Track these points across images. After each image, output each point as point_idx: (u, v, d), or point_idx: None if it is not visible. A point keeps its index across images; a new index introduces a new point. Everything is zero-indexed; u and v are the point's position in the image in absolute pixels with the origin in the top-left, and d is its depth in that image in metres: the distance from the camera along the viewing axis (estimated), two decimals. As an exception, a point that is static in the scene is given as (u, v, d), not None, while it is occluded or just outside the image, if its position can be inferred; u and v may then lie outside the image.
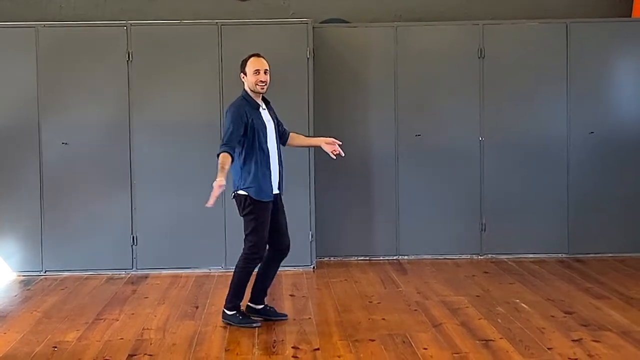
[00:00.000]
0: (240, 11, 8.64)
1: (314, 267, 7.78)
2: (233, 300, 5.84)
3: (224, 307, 5.89)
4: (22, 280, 7.50)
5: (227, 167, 5.55)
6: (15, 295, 6.94)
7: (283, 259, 5.97)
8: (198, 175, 7.23)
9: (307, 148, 7.58)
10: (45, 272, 7.69)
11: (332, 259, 8.17)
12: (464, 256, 8.19)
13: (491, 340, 5.32)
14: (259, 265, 5.92)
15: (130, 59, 7.65)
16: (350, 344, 5.28)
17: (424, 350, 5.12)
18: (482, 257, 8.19)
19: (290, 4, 8.78)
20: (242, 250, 5.79)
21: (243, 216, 5.79)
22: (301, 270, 7.71)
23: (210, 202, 5.41)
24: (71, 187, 7.68)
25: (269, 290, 6.07)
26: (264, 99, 5.90)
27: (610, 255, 8.15)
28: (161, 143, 7.66)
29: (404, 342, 5.31)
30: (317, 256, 7.89)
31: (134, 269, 7.74)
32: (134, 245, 7.74)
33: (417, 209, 8.17)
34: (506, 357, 4.97)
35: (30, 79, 7.63)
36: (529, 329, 5.55)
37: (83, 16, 8.57)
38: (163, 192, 7.67)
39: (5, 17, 8.31)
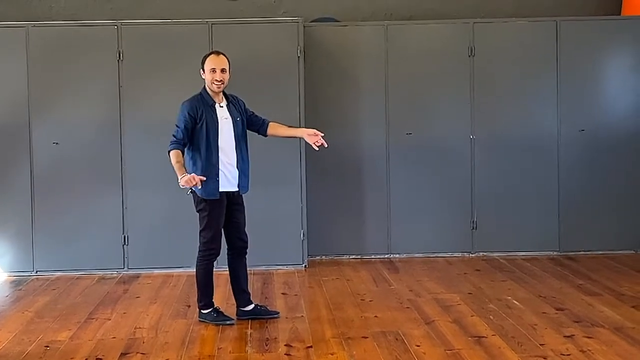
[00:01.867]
0: (231, 10, 8.64)
1: (305, 266, 7.77)
2: (203, 298, 5.88)
3: (198, 308, 5.92)
4: (13, 281, 7.47)
5: (182, 161, 5.59)
6: (7, 296, 6.91)
7: (244, 255, 5.98)
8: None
9: (299, 145, 7.60)
10: (36, 272, 7.66)
11: (323, 257, 8.17)
12: (455, 254, 8.20)
13: (484, 336, 5.33)
14: (228, 269, 5.99)
15: (121, 59, 7.64)
16: (343, 342, 5.29)
17: (416, 347, 5.13)
18: (473, 254, 8.20)
19: (281, 3, 8.78)
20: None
21: (197, 212, 5.82)
22: (293, 268, 7.71)
23: (199, 184, 5.52)
24: (62, 187, 7.65)
25: (249, 289, 6.06)
26: (226, 96, 5.89)
27: (601, 252, 8.18)
28: (152, 142, 7.62)
29: (396, 339, 5.32)
30: (308, 255, 7.88)
31: (125, 268, 7.72)
32: (125, 245, 7.72)
33: (409, 207, 8.18)
34: (499, 353, 4.98)
35: (21, 79, 7.60)
36: (521, 326, 5.56)
37: (73, 16, 8.55)
38: (154, 192, 7.65)
39: (-5, 17, 8.31)
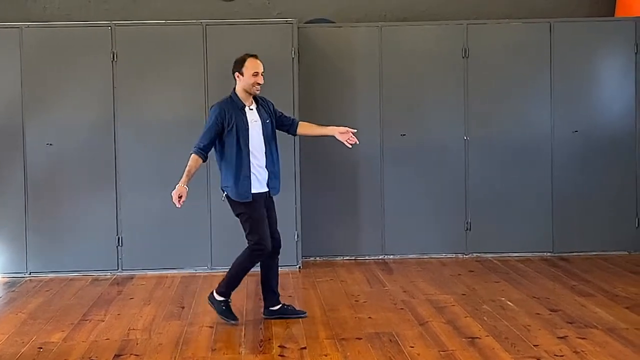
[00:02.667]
0: (225, 11, 8.64)
1: (300, 267, 7.77)
2: (226, 287, 5.85)
3: (215, 290, 5.88)
4: (7, 282, 7.45)
5: (193, 170, 5.64)
6: (0, 297, 6.90)
7: (277, 255, 5.97)
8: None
9: (293, 146, 7.60)
10: (30, 274, 7.65)
11: (318, 258, 8.18)
12: (449, 255, 8.21)
13: (477, 337, 5.34)
14: (260, 268, 5.97)
15: (115, 59, 7.63)
16: (337, 343, 5.29)
17: (410, 349, 5.13)
18: (467, 256, 8.21)
19: (275, 4, 8.79)
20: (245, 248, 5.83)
21: (236, 216, 5.82)
22: (287, 270, 7.68)
23: (178, 205, 5.61)
24: (56, 188, 7.64)
25: (278, 289, 6.06)
26: (255, 98, 5.88)
27: (594, 253, 8.19)
28: (146, 143, 7.64)
29: (390, 340, 5.32)
30: (303, 256, 7.89)
31: (119, 269, 7.71)
32: (119, 246, 7.71)
33: (403, 208, 8.18)
34: (492, 354, 4.98)
35: (14, 79, 7.59)
36: (515, 327, 5.57)
37: (67, 16, 8.56)
38: (148, 193, 7.64)
39: (-11, 17, 8.29)
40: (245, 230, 5.78)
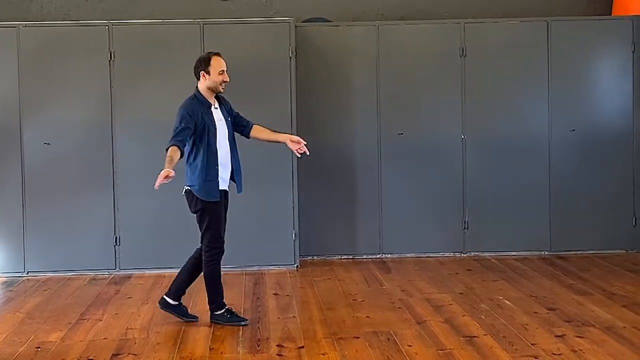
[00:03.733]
0: (223, 10, 8.64)
1: (297, 266, 7.77)
2: (214, 299, 5.85)
3: (210, 309, 5.88)
4: (5, 282, 7.45)
5: (175, 159, 5.51)
6: (-2, 297, 6.92)
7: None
8: (180, 175, 7.17)
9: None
10: (27, 273, 7.64)
11: (315, 257, 8.17)
12: (447, 254, 8.21)
13: (475, 336, 5.34)
14: (190, 261, 5.93)
15: (113, 59, 7.62)
16: (335, 342, 5.29)
17: (408, 347, 5.13)
18: (465, 254, 8.21)
19: (273, 4, 8.78)
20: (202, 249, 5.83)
21: (193, 213, 5.79)
22: (285, 269, 7.71)
23: (157, 184, 5.36)
24: (53, 188, 7.63)
25: (188, 289, 6.03)
26: (217, 97, 5.87)
27: (592, 252, 8.20)
28: (144, 143, 7.63)
29: (388, 339, 5.32)
30: (300, 255, 7.88)
31: (117, 269, 7.71)
32: (116, 246, 7.71)
33: (400, 207, 8.18)
34: (490, 353, 4.98)
35: (12, 79, 7.58)
36: (513, 325, 5.57)
37: (65, 16, 8.55)
38: (146, 192, 7.54)
39: (-14, 17, 8.28)
40: (201, 227, 5.77)
